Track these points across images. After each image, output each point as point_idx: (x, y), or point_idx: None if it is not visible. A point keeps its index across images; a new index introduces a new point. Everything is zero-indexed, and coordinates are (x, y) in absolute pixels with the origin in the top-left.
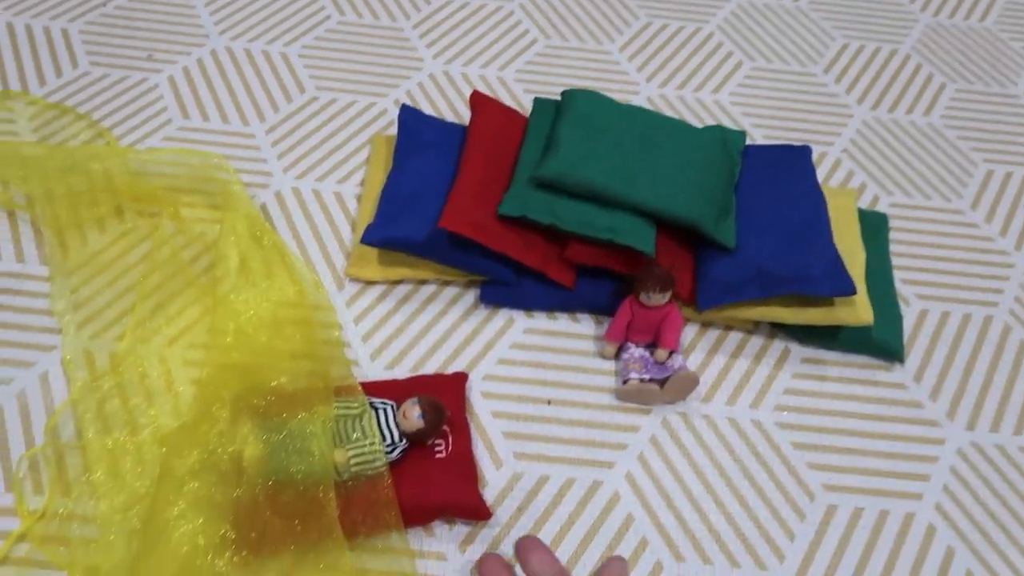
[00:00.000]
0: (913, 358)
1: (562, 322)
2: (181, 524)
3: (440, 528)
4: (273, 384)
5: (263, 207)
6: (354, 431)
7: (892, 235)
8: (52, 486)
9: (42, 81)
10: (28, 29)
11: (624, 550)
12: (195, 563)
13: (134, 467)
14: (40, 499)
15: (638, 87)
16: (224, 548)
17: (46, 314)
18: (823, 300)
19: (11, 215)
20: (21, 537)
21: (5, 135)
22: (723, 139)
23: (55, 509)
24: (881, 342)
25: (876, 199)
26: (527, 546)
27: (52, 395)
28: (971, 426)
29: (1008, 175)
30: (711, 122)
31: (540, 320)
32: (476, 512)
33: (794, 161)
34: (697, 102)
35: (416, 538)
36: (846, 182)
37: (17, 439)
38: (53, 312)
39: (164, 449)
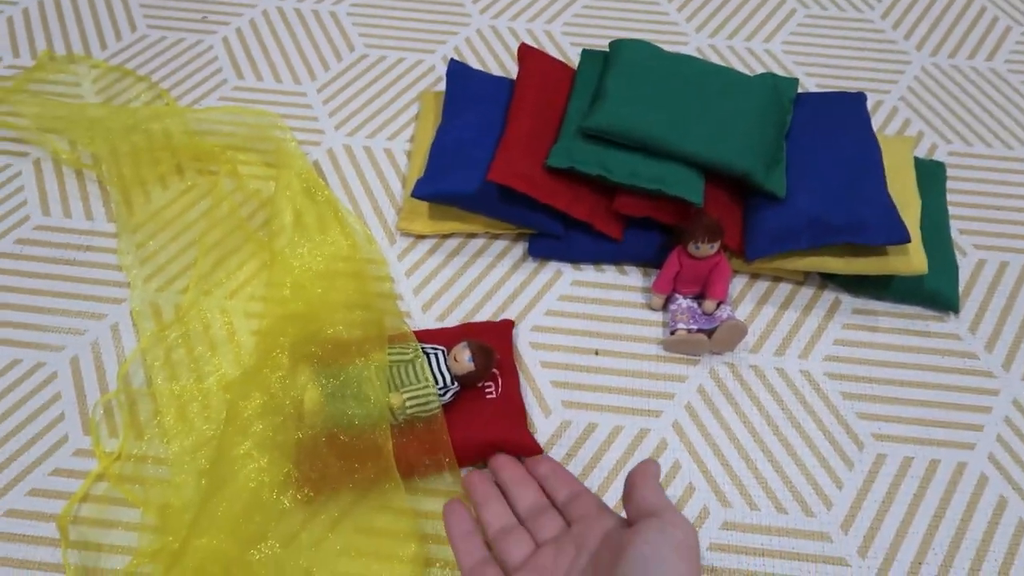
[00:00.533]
0: (968, 309)
1: (609, 274)
2: (247, 463)
3: None
4: (331, 332)
5: (316, 164)
6: (408, 375)
7: (950, 184)
8: (126, 429)
9: (103, 45)
10: None
11: (670, 495)
12: (261, 499)
13: (201, 412)
14: (115, 442)
15: (687, 37)
16: (288, 486)
17: (115, 269)
18: (876, 249)
19: (79, 174)
20: (99, 477)
21: (71, 97)
22: (775, 87)
23: (129, 451)
24: (935, 292)
25: (934, 147)
26: (501, 464)
27: (123, 345)
28: None
29: None
30: (762, 72)
31: (588, 272)
32: (527, 449)
33: (848, 108)
34: (748, 52)
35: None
36: (903, 131)
37: (92, 386)
38: (121, 267)
39: (229, 395)
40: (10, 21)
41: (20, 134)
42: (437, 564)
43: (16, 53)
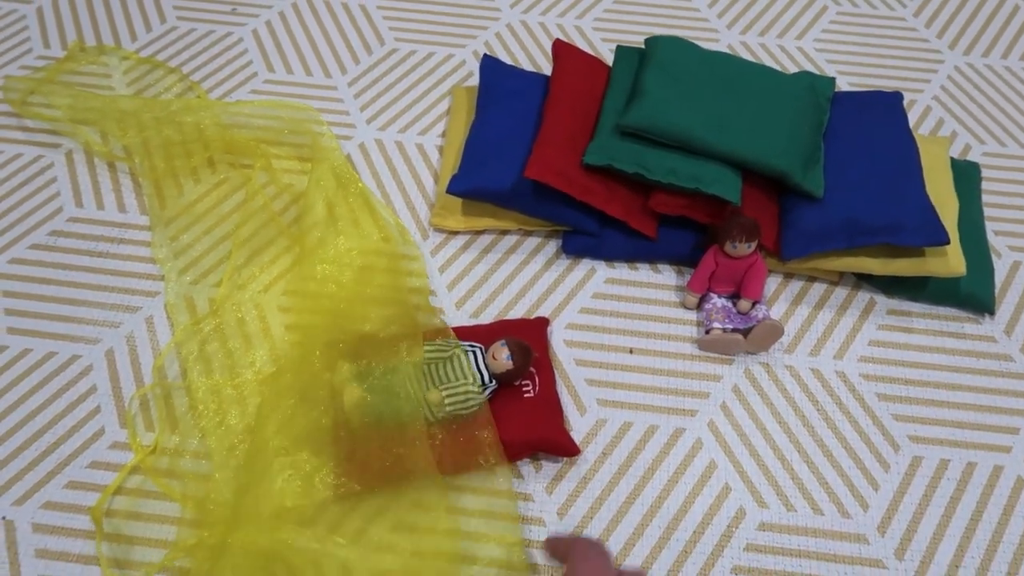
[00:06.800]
0: (1004, 311)
1: (643, 272)
2: (284, 459)
3: (526, 469)
4: (365, 327)
5: (348, 158)
6: (446, 373)
7: (984, 185)
8: (161, 423)
9: (133, 36)
10: None
11: (707, 496)
12: (298, 495)
13: (236, 406)
14: (152, 435)
15: (719, 34)
16: (325, 482)
17: (148, 261)
18: (913, 250)
19: (112, 166)
20: (135, 469)
21: (103, 89)
22: (812, 86)
23: (165, 444)
24: (970, 294)
25: (968, 148)
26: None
27: (157, 338)
28: None
29: None
30: (794, 70)
31: (622, 270)
32: (566, 448)
33: (885, 108)
34: (780, 49)
35: (503, 479)
36: (936, 131)
37: (128, 379)
38: (155, 260)
39: (265, 389)
40: (40, 12)
41: (52, 125)
42: (479, 563)
43: (47, 44)
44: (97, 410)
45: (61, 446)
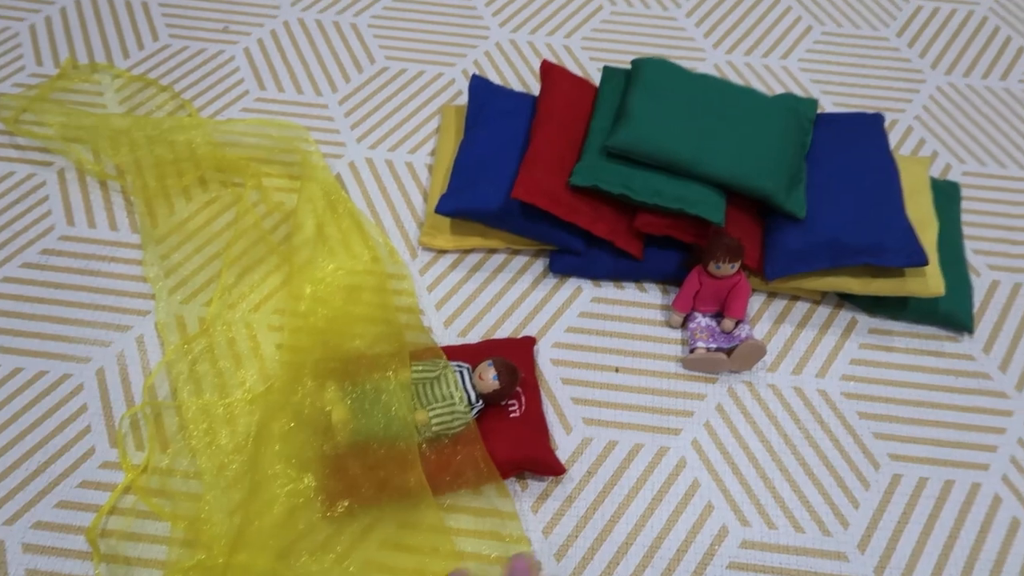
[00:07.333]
0: (982, 329)
1: (629, 291)
2: (278, 479)
3: (512, 488)
4: (354, 347)
5: (338, 177)
6: (433, 393)
7: (964, 204)
8: (151, 443)
9: (125, 54)
10: (110, 2)
11: (690, 514)
12: (292, 515)
13: (226, 426)
14: (142, 455)
15: (704, 54)
16: (318, 502)
17: (139, 280)
18: (893, 271)
19: (103, 185)
20: (126, 489)
21: (95, 107)
22: (795, 107)
23: (156, 464)
24: (950, 313)
25: (948, 168)
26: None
27: (148, 357)
28: None
29: None
30: (779, 89)
31: (608, 289)
32: (552, 467)
33: (866, 129)
34: (765, 69)
35: (489, 498)
36: (918, 150)
37: (118, 398)
38: (146, 278)
39: (256, 409)
40: (33, 30)
41: (44, 143)
42: None
43: (39, 61)
44: (87, 429)
45: (51, 465)
